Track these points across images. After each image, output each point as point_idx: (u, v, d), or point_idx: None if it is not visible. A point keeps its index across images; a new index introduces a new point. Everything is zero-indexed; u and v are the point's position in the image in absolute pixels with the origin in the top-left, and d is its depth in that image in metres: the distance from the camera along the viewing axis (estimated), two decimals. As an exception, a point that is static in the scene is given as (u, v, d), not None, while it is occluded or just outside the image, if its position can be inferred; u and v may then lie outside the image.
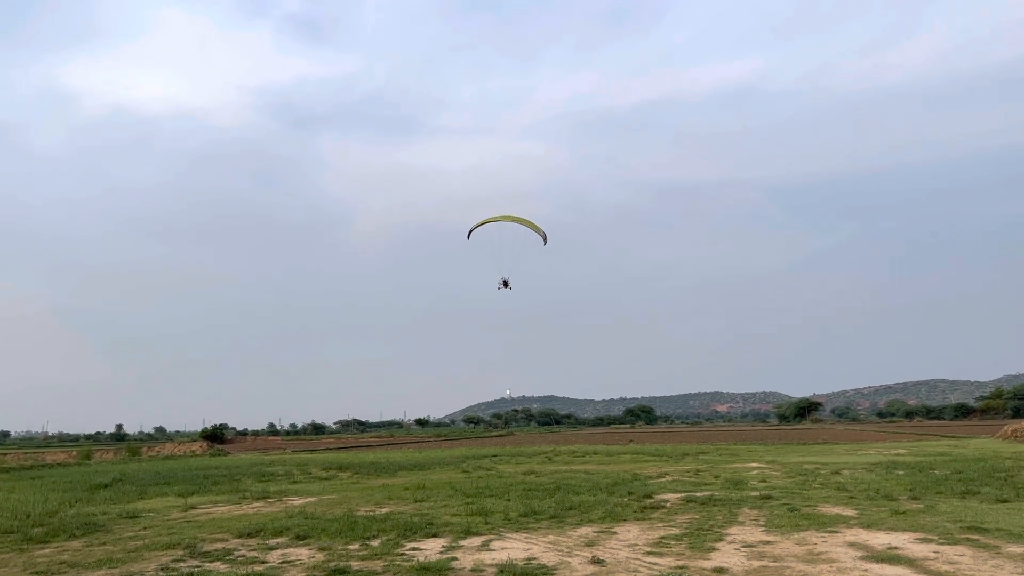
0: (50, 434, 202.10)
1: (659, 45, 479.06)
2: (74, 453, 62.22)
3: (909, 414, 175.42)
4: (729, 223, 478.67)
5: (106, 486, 29.20)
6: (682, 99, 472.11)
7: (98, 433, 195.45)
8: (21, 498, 24.62)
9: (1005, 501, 18.08)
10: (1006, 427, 56.99)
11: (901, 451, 40.77)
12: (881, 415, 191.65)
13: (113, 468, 44.18)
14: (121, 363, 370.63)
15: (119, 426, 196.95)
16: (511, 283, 33.08)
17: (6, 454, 64.28)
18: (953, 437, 60.33)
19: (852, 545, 13.05)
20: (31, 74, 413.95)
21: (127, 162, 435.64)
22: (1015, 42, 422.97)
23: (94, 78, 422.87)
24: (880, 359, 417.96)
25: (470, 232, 31.65)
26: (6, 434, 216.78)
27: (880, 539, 13.52)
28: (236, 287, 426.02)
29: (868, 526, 14.92)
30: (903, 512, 16.59)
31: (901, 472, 26.52)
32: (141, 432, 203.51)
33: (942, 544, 12.90)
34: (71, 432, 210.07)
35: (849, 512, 16.85)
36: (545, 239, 31.31)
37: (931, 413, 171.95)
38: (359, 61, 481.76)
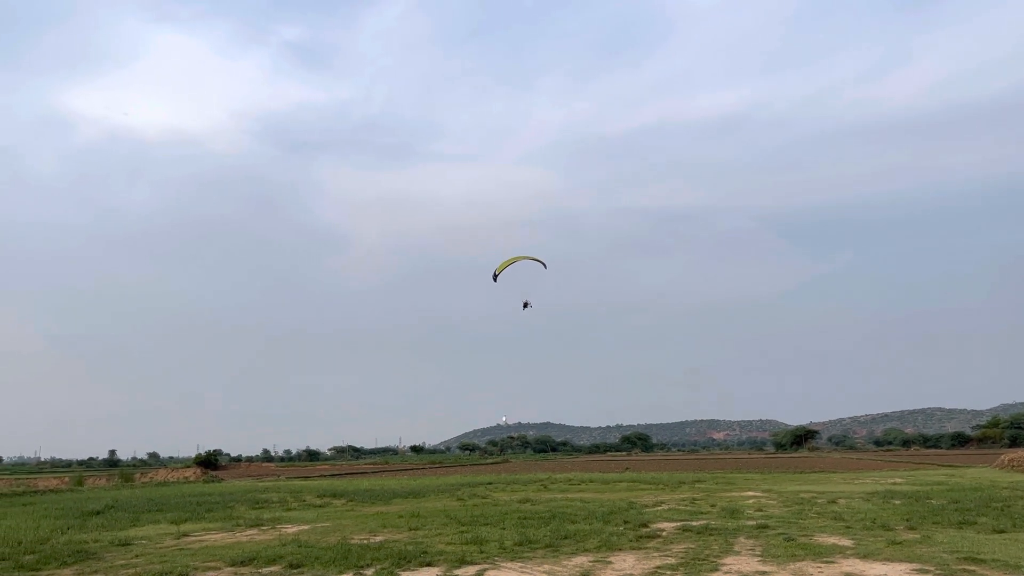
0: (42, 460, 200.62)
1: (654, 74, 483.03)
2: (66, 479, 61.68)
3: (906, 443, 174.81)
4: (724, 250, 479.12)
5: (98, 513, 28.95)
6: (676, 127, 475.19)
7: (91, 459, 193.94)
8: (12, 525, 24.40)
9: (1002, 531, 18.03)
10: (1003, 456, 56.85)
11: (898, 480, 40.63)
12: (878, 443, 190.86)
13: (106, 495, 43.83)
14: (114, 388, 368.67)
15: (112, 452, 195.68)
16: (531, 303, 40.53)
17: (-3, 480, 63.75)
18: (950, 466, 60.12)
19: (848, 576, 13.01)
20: (28, 98, 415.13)
21: (123, 187, 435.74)
22: (1007, 73, 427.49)
23: (92, 103, 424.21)
24: (877, 387, 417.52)
25: (495, 276, 37.10)
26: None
27: (877, 569, 13.47)
28: (231, 312, 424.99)
29: (865, 556, 14.86)
30: (900, 542, 16.54)
31: (898, 501, 26.44)
32: (134, 458, 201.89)
33: (939, 575, 12.86)
34: (64, 458, 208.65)
35: (846, 542, 16.79)
36: (544, 265, 38.22)
37: (928, 442, 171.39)
38: (356, 88, 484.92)
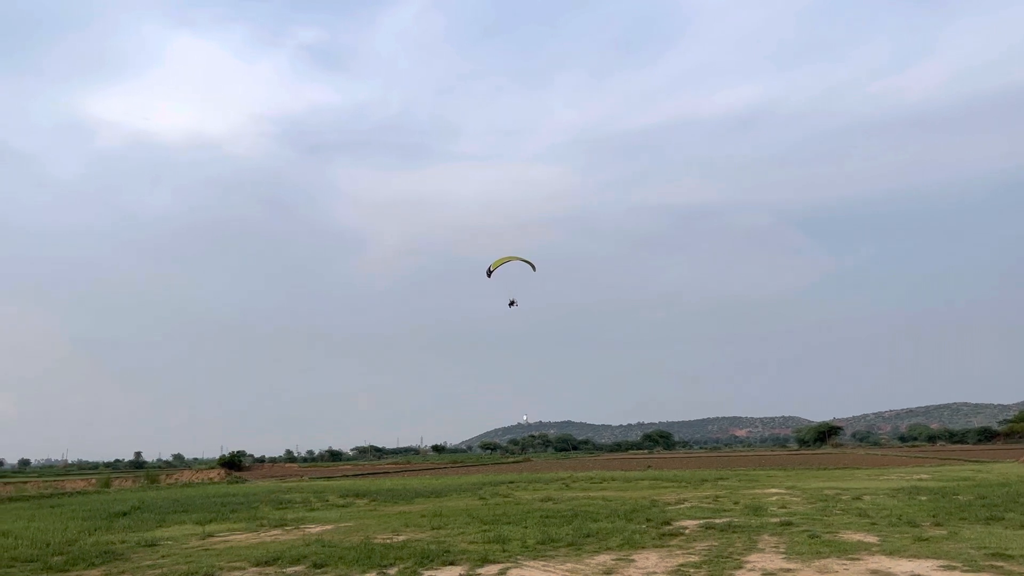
0: (70, 462, 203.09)
1: (670, 71, 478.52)
2: (93, 481, 62.48)
3: (931, 438, 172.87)
4: (744, 246, 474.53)
5: (125, 514, 29.30)
6: (693, 123, 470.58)
7: (117, 461, 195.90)
8: (41, 527, 24.77)
9: (1030, 527, 17.80)
10: (1031, 451, 56.10)
11: (923, 476, 40.21)
12: (903, 439, 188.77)
13: (132, 496, 44.32)
14: (139, 391, 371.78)
15: (138, 453, 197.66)
16: (517, 302, 41.70)
17: (26, 482, 64.68)
18: (976, 462, 59.41)
19: (874, 573, 12.90)
20: (49, 104, 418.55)
21: (145, 191, 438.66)
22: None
23: (112, 108, 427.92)
24: (901, 382, 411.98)
25: (490, 272, 38.53)
26: (26, 462, 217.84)
27: (903, 566, 13.35)
28: (251, 314, 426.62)
29: (891, 553, 14.74)
30: (926, 539, 16.38)
31: (924, 498, 26.17)
32: (159, 459, 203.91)
33: (966, 571, 12.73)
34: (90, 460, 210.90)
35: (871, 539, 16.65)
36: (534, 267, 39.68)
37: (954, 437, 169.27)
38: (372, 89, 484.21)
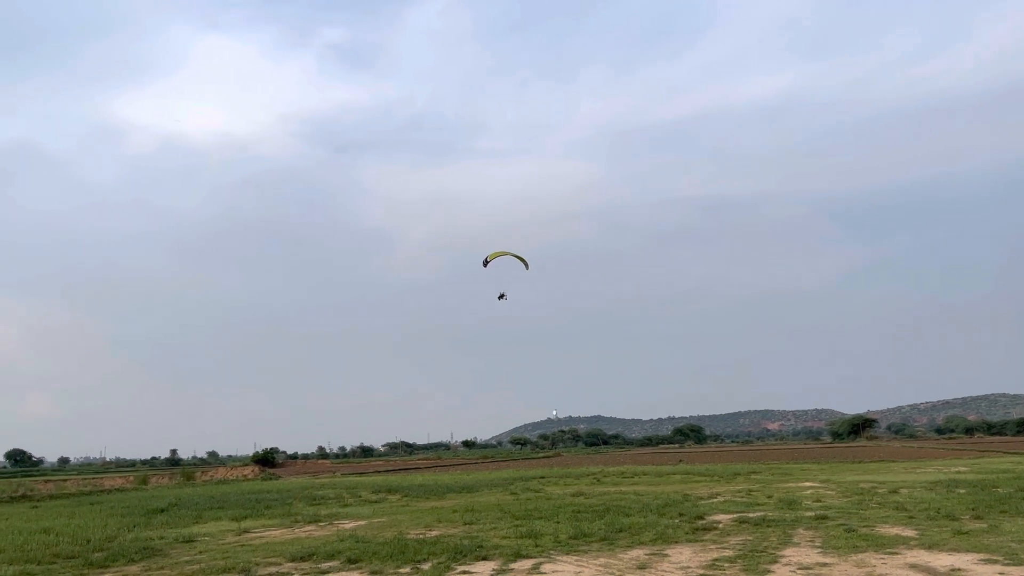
0: (108, 460, 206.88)
1: (697, 62, 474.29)
2: (131, 478, 63.57)
3: (969, 430, 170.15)
4: (775, 238, 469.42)
5: (163, 511, 29.79)
6: (722, 115, 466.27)
7: (154, 458, 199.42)
8: (81, 523, 25.23)
9: (1074, 520, 17.44)
10: (1073, 442, 54.97)
11: (962, 468, 39.58)
12: (939, 431, 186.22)
13: (169, 493, 45.03)
14: (174, 389, 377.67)
15: (173, 451, 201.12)
16: (507, 296, 41.62)
17: (66, 480, 65.99)
18: (1016, 453, 58.34)
19: (913, 567, 12.72)
20: (80, 109, 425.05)
21: (177, 193, 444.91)
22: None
23: (143, 111, 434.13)
24: (937, 373, 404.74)
25: (486, 263, 38.79)
26: (66, 460, 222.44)
27: (943, 560, 13.15)
28: (282, 313, 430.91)
29: (929, 547, 14.51)
30: (966, 532, 16.11)
31: (962, 490, 25.75)
32: (194, 457, 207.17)
33: (1008, 565, 12.50)
34: (128, 457, 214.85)
35: (909, 532, 16.41)
36: (527, 265, 39.75)
37: (992, 429, 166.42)
38: (399, 86, 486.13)
